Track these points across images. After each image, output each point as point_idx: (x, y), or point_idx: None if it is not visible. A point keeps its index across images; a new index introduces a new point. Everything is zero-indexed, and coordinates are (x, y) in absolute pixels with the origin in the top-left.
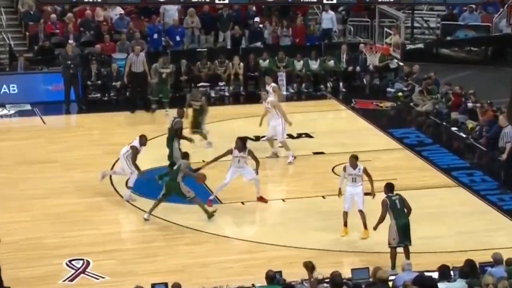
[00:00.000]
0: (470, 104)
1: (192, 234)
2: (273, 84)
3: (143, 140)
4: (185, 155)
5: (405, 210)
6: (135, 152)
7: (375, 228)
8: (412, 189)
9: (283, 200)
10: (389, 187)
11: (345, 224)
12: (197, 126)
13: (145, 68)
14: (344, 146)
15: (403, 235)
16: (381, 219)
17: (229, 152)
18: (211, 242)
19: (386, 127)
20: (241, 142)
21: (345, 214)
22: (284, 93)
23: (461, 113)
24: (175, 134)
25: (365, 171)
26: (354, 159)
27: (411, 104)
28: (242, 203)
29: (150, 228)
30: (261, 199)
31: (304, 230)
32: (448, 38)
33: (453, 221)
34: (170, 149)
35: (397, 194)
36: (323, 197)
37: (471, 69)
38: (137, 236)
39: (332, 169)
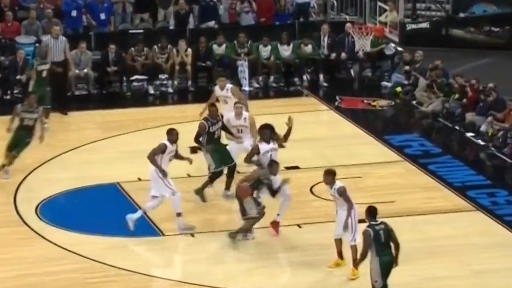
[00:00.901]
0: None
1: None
2: (230, 86)
3: (174, 135)
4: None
5: (391, 243)
6: (162, 148)
7: (356, 266)
8: (415, 215)
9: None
10: (371, 213)
11: (339, 255)
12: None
13: (67, 56)
14: (326, 159)
15: (386, 276)
16: (364, 254)
17: (256, 151)
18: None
19: (381, 133)
20: (269, 130)
21: (336, 241)
22: (246, 88)
23: (479, 114)
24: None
25: (342, 193)
26: (326, 175)
27: (414, 102)
28: (192, 235)
29: (67, 269)
30: None
31: (274, 271)
32: (461, 15)
33: (469, 256)
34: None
35: (381, 223)
36: (299, 226)
37: (492, 55)
38: (54, 280)
39: (311, 189)
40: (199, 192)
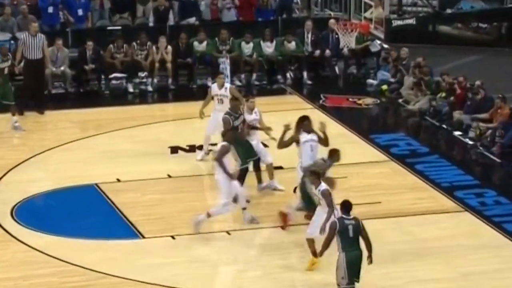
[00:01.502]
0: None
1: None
2: (228, 84)
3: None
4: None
5: (359, 240)
6: (227, 149)
7: (319, 255)
8: (402, 216)
9: (228, 232)
10: (345, 207)
11: (313, 254)
12: None
13: (45, 53)
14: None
15: (353, 272)
16: (325, 244)
17: (294, 139)
18: None
19: (366, 132)
20: (307, 121)
21: (308, 241)
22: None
23: (466, 112)
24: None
25: (325, 196)
26: (310, 175)
27: (400, 100)
28: (173, 237)
29: (45, 273)
30: None
31: (256, 274)
32: (449, 11)
33: (457, 258)
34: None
35: (353, 218)
36: (282, 227)
37: (480, 52)
38: (31, 285)
39: (294, 190)
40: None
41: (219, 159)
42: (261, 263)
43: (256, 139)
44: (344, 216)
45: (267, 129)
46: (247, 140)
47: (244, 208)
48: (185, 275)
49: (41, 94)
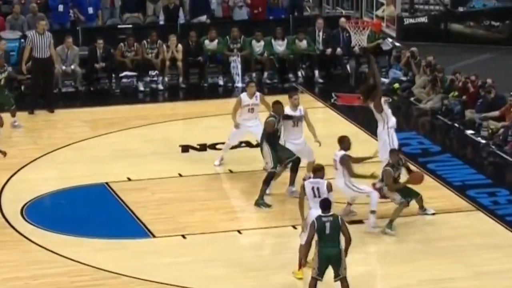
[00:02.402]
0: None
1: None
2: (258, 93)
3: (347, 143)
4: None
5: (339, 237)
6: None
7: (305, 259)
8: (413, 215)
9: (239, 232)
10: (323, 205)
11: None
12: None
13: (52, 52)
14: (323, 157)
15: (324, 268)
16: (306, 243)
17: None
18: None
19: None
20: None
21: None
22: (239, 85)
23: (478, 111)
24: (266, 137)
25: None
26: (317, 171)
27: (412, 99)
28: (183, 236)
29: (54, 273)
30: None
31: (267, 273)
32: (461, 9)
33: (469, 257)
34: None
35: (332, 215)
36: (294, 227)
37: (492, 51)
38: (40, 284)
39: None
40: (259, 201)
41: (351, 172)
42: (273, 263)
43: (302, 138)
44: (322, 214)
45: (312, 128)
46: (283, 146)
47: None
48: (196, 275)
49: (51, 92)
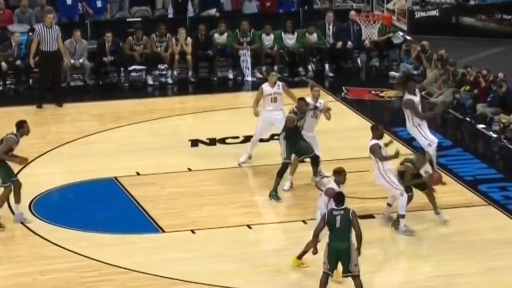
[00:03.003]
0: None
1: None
2: (280, 82)
3: (380, 130)
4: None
5: (349, 232)
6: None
7: (314, 247)
8: (424, 210)
9: (249, 226)
10: (337, 199)
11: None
12: None
13: (60, 45)
14: (332, 151)
15: (333, 263)
16: (315, 234)
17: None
18: (149, 286)
19: (389, 125)
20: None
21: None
22: (249, 78)
23: (490, 105)
24: (286, 131)
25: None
26: (338, 174)
27: (423, 93)
28: (193, 231)
29: (62, 268)
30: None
31: (277, 268)
32: (472, 2)
33: (480, 252)
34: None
35: (344, 209)
36: (304, 222)
37: (504, 44)
38: (48, 279)
39: (316, 183)
40: (272, 193)
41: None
42: (282, 258)
43: (315, 131)
44: (334, 207)
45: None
46: (304, 142)
47: (402, 216)
48: (205, 270)
49: (59, 86)
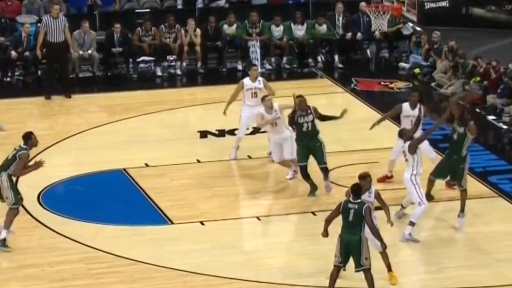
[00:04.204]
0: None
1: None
2: (261, 78)
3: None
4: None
5: (361, 226)
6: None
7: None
8: (434, 202)
9: (258, 218)
10: (353, 191)
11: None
12: None
13: (67, 37)
14: (342, 143)
15: (345, 255)
16: (328, 220)
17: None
18: (158, 278)
19: (399, 117)
20: (418, 98)
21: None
22: (259, 70)
23: (500, 96)
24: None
25: (376, 197)
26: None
27: (433, 84)
28: (202, 223)
29: (71, 259)
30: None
31: (286, 259)
32: None
33: (491, 244)
34: None
35: (360, 203)
36: (313, 213)
37: None
38: (57, 271)
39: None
40: (310, 194)
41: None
42: (292, 250)
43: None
44: (351, 199)
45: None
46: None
47: (412, 223)
48: (215, 262)
49: (67, 77)
